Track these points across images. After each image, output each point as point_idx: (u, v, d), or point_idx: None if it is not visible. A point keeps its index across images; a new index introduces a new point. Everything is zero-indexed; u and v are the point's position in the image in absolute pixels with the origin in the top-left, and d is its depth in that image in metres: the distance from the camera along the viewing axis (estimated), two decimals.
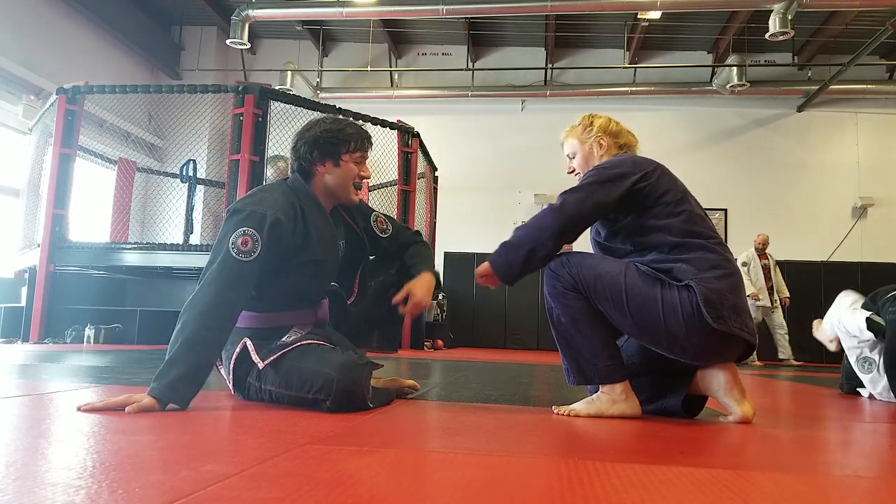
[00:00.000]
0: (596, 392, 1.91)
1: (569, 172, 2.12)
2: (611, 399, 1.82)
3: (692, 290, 1.73)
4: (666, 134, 10.14)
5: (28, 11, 7.80)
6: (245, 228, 1.76)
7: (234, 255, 1.73)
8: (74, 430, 1.35)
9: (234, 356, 1.87)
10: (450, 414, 1.84)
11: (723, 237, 9.60)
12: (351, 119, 2.06)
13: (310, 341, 1.84)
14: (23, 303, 6.29)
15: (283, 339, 1.86)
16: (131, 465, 1.03)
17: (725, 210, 9.89)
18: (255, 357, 1.83)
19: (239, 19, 8.65)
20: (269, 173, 8.15)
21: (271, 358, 1.81)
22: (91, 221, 6.87)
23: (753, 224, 9.76)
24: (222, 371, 2.00)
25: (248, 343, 1.85)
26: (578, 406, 1.86)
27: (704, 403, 1.96)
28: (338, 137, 1.94)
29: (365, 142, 1.99)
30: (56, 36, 8.25)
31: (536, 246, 1.82)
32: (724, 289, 1.74)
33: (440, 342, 8.11)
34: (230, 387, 1.95)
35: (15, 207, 7.34)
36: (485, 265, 1.90)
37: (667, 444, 1.49)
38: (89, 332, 5.80)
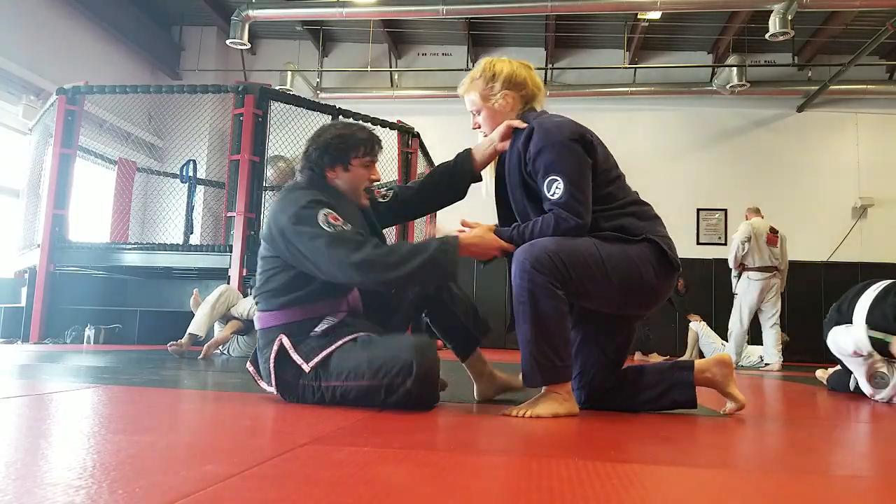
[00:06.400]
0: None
1: (474, 128, 2.06)
2: (561, 398, 1.78)
3: (651, 242, 1.83)
4: (666, 134, 10.12)
5: (28, 12, 7.79)
6: (323, 210, 1.78)
7: (333, 229, 1.75)
8: (74, 431, 1.35)
9: (271, 358, 1.84)
10: (450, 414, 1.84)
11: (723, 237, 9.44)
12: (360, 122, 2.09)
13: (361, 333, 1.83)
14: (23, 303, 6.29)
15: (317, 329, 1.84)
16: (132, 465, 1.03)
17: (725, 210, 9.86)
18: (296, 357, 1.81)
19: (239, 19, 8.64)
20: (270, 173, 8.11)
21: (321, 355, 1.79)
22: (91, 222, 6.87)
23: None
24: (262, 382, 1.95)
25: (285, 341, 1.83)
26: (536, 407, 1.77)
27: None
28: (347, 143, 1.97)
29: (375, 146, 2.04)
30: (56, 36, 8.24)
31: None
32: (667, 235, 1.89)
33: (439, 342, 8.09)
34: (273, 390, 1.90)
35: (15, 208, 7.33)
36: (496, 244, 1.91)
37: (667, 444, 1.49)
38: (89, 332, 5.79)
